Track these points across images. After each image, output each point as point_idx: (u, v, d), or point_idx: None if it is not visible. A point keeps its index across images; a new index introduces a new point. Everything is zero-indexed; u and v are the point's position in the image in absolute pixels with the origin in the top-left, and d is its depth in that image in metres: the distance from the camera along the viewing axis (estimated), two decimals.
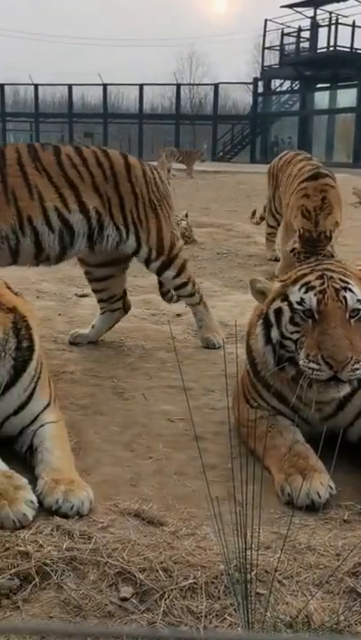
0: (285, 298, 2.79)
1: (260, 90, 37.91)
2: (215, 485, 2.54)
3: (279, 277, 3.08)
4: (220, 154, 37.34)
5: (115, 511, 2.42)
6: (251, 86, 38.76)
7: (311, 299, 2.70)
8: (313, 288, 2.73)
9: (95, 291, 4.69)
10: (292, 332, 2.74)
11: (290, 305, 2.76)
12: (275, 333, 2.78)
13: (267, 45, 37.00)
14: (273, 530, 2.32)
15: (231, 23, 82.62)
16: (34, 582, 1.98)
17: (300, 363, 2.66)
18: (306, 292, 2.73)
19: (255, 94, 37.98)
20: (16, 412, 2.73)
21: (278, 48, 36.40)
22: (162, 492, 2.64)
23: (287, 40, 35.63)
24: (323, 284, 2.72)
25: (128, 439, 3.13)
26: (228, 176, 22.77)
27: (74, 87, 38.01)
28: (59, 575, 2.00)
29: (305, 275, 2.82)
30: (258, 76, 38.68)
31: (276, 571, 1.99)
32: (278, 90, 38.47)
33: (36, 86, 37.82)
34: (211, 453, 2.94)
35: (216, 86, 38.28)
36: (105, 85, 37.00)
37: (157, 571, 2.01)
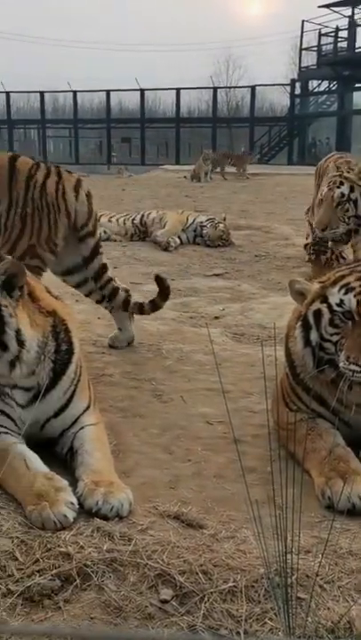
0: (325, 299, 2.76)
1: (298, 91, 37.62)
2: (255, 488, 2.52)
3: (318, 278, 3.05)
4: (258, 156, 37.18)
5: (154, 513, 2.43)
6: (288, 88, 38.52)
7: (351, 300, 2.67)
8: (353, 289, 2.69)
9: (87, 296, 4.67)
10: (331, 334, 2.71)
11: (329, 307, 2.73)
12: (314, 335, 2.76)
13: (304, 46, 36.70)
14: (313, 534, 2.29)
15: (268, 25, 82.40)
16: (75, 583, 2.00)
17: (341, 365, 2.63)
18: (345, 293, 2.70)
19: (292, 96, 37.70)
20: (56, 415, 2.75)
21: (316, 48, 36.07)
22: (201, 495, 2.64)
23: (325, 40, 35.28)
24: None
25: (167, 442, 3.14)
26: (265, 178, 22.66)
27: (112, 93, 38.30)
28: (99, 576, 2.02)
29: (344, 276, 2.79)
30: (295, 77, 38.41)
31: (317, 575, 1.97)
32: (316, 90, 38.13)
33: (75, 93, 38.23)
34: (250, 456, 2.92)
35: (253, 88, 38.12)
36: (142, 90, 37.21)
37: (197, 573, 2.01)
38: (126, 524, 2.30)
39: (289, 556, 1.82)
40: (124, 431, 3.22)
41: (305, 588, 1.95)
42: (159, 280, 4.45)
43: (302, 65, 37.27)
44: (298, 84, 37.77)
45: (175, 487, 2.71)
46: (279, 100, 43.84)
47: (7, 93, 38.39)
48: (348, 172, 5.05)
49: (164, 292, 4.45)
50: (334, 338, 2.70)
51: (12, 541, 2.17)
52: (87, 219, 4.32)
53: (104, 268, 4.48)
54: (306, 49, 36.96)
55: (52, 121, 42.05)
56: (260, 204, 14.26)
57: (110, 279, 4.50)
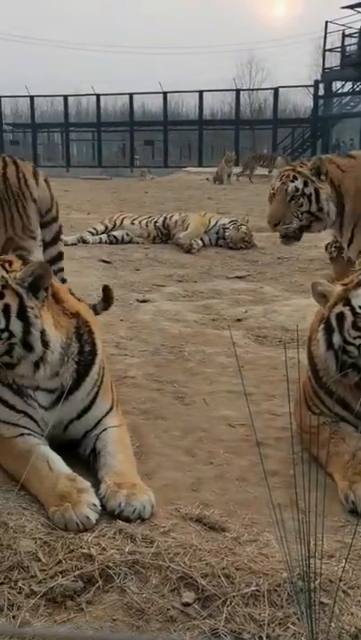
0: (348, 302, 2.74)
1: (321, 92, 37.43)
2: (277, 492, 2.51)
3: (341, 280, 3.02)
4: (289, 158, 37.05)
5: (176, 516, 2.42)
6: (311, 89, 38.35)
7: None
8: None
9: None
10: (354, 337, 2.68)
11: (352, 309, 2.71)
12: (337, 338, 2.73)
13: (327, 47, 36.54)
14: (337, 538, 2.27)
15: (291, 26, 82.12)
16: (97, 585, 2.01)
17: None
18: None
19: (316, 97, 37.51)
20: (79, 416, 2.77)
21: (339, 49, 35.87)
22: (223, 498, 2.63)
23: (348, 41, 35.06)
24: None
25: (189, 444, 3.14)
26: None
27: (135, 96, 38.46)
28: (121, 578, 2.02)
29: None
30: (318, 78, 38.23)
31: (340, 580, 1.95)
32: (340, 92, 37.89)
33: (98, 96, 38.46)
34: (272, 459, 2.91)
35: (276, 90, 38.01)
36: (165, 93, 37.30)
37: (219, 577, 2.00)
38: (148, 527, 2.31)
39: (312, 561, 1.80)
40: (146, 433, 3.22)
41: (328, 593, 1.93)
42: (106, 290, 4.46)
43: (326, 66, 37.09)
44: (321, 86, 37.58)
45: (197, 490, 2.70)
46: (302, 102, 43.71)
47: (31, 97, 38.72)
48: (301, 167, 4.95)
49: (107, 302, 4.46)
50: (358, 341, 2.67)
51: (35, 542, 2.18)
52: (50, 204, 4.39)
53: (60, 255, 4.55)
54: (329, 50, 36.78)
55: (75, 124, 42.32)
56: None
57: (62, 269, 4.55)
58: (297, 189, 4.78)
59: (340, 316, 2.74)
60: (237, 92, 38.35)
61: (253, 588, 1.96)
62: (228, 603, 1.92)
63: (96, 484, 2.49)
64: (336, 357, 2.74)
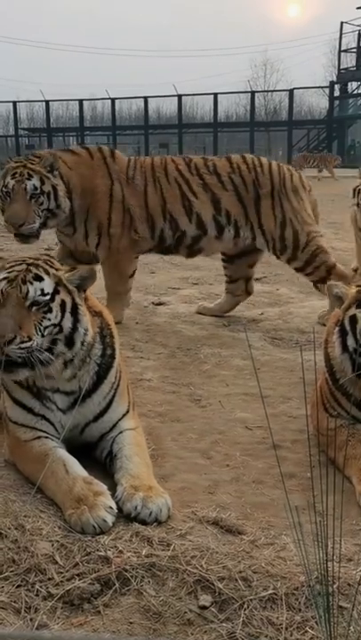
0: (359, 304, 2.72)
1: (337, 93, 37.31)
2: (294, 494, 2.50)
3: (356, 283, 3.00)
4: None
5: (193, 518, 2.42)
6: (326, 90, 38.22)
7: None
8: None
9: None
10: None
11: None
12: (351, 341, 2.72)
13: (343, 48, 36.42)
14: (355, 542, 2.26)
15: (306, 27, 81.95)
16: (114, 587, 2.00)
17: None
18: None
19: (331, 98, 37.42)
20: (96, 419, 2.77)
21: (355, 50, 35.74)
22: (240, 501, 2.62)
23: None
24: None
25: (205, 446, 3.13)
26: None
27: (150, 99, 38.58)
28: (138, 581, 2.02)
29: None
30: (334, 79, 38.10)
31: (359, 584, 1.93)
32: (355, 92, 37.73)
33: (113, 100, 38.63)
34: (289, 462, 2.89)
35: (291, 92, 37.96)
36: (180, 96, 37.38)
37: (236, 580, 2.00)
38: (165, 529, 2.30)
39: (330, 564, 1.79)
40: (162, 436, 3.22)
41: (347, 597, 1.91)
42: None
43: (341, 67, 36.97)
44: (337, 86, 37.45)
45: (214, 492, 2.69)
46: (318, 103, 43.61)
47: (47, 102, 38.97)
48: (33, 164, 4.86)
49: None
50: None
51: (52, 545, 2.18)
52: None
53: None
54: (345, 50, 36.67)
55: (90, 128, 42.53)
56: None
57: None
58: (36, 187, 4.75)
59: (353, 319, 2.73)
60: (252, 93, 38.34)
61: (271, 592, 1.95)
62: (246, 606, 1.91)
63: (112, 487, 2.49)
64: (351, 359, 2.72)
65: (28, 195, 4.75)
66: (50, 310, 2.58)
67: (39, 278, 2.62)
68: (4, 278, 2.61)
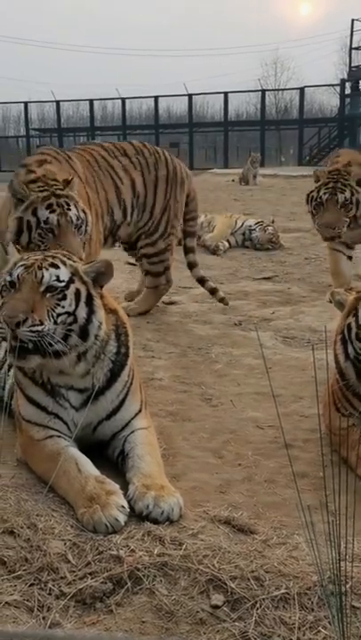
0: (356, 313, 2.68)
1: (348, 91, 37.12)
2: (306, 494, 2.49)
3: (357, 288, 2.96)
4: (307, 158, 36.81)
5: (205, 518, 2.42)
6: (338, 88, 38.06)
7: None
8: None
9: None
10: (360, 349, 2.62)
11: (357, 321, 2.65)
12: (351, 349, 2.69)
13: (354, 45, 36.22)
14: None
15: (316, 25, 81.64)
16: (126, 587, 2.01)
17: None
18: None
19: (342, 96, 37.22)
20: (108, 417, 2.77)
21: None
22: (252, 500, 2.62)
23: None
24: None
25: (217, 446, 3.13)
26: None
27: (160, 98, 38.57)
28: (150, 580, 2.02)
29: None
30: (345, 77, 37.93)
31: None
32: None
33: (124, 100, 38.65)
34: (301, 461, 2.89)
35: (302, 90, 37.79)
36: (190, 95, 37.34)
37: (249, 579, 1.99)
38: (177, 529, 2.30)
39: (343, 564, 1.78)
40: (173, 435, 3.22)
41: (360, 597, 1.91)
42: None
43: (352, 64, 36.77)
44: (348, 84, 37.26)
45: (226, 492, 2.69)
46: (329, 101, 43.44)
47: (57, 102, 39.08)
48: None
49: None
50: None
51: (65, 544, 2.19)
52: None
53: None
54: (356, 48, 36.44)
55: (100, 128, 42.59)
56: None
57: None
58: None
59: (349, 328, 2.70)
60: (263, 92, 38.22)
61: (283, 591, 1.94)
62: (258, 605, 1.90)
63: (124, 486, 2.49)
64: (355, 366, 2.69)
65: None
66: (64, 297, 2.59)
67: (55, 266, 2.64)
68: (22, 265, 2.63)
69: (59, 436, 2.67)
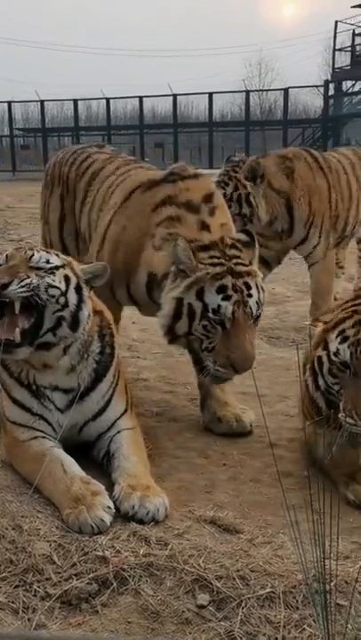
0: (325, 346, 2.63)
1: (331, 92, 37.32)
2: (291, 493, 2.50)
3: (323, 319, 2.84)
4: None
5: (190, 518, 2.42)
6: (321, 89, 38.26)
7: (345, 351, 2.52)
8: (347, 339, 2.54)
9: None
10: (333, 384, 2.59)
11: (328, 355, 2.60)
12: (321, 382, 2.65)
13: (337, 47, 36.44)
14: (353, 539, 2.26)
15: (300, 26, 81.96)
16: (112, 587, 2.00)
17: (339, 415, 2.50)
18: (341, 342, 2.55)
19: (326, 97, 37.42)
20: (94, 418, 2.77)
21: (349, 49, 35.78)
22: (237, 499, 2.62)
23: (359, 40, 34.98)
24: (357, 332, 2.53)
25: (202, 446, 3.13)
26: None
27: (144, 99, 38.52)
28: (136, 581, 2.02)
29: (344, 319, 2.62)
30: (329, 78, 38.13)
31: (356, 581, 1.93)
32: (350, 91, 37.76)
33: (108, 100, 38.56)
34: (286, 460, 2.90)
35: (286, 91, 37.91)
36: (175, 96, 37.34)
37: (234, 579, 2.00)
38: (162, 529, 2.30)
39: (327, 562, 1.79)
40: (159, 435, 3.22)
41: (344, 595, 1.92)
42: None
43: (336, 66, 37.00)
44: (331, 85, 37.48)
45: (211, 491, 2.69)
46: (312, 102, 43.67)
47: (41, 102, 38.91)
48: None
49: None
50: (336, 387, 2.57)
51: (50, 545, 2.18)
52: None
53: None
54: (339, 49, 36.70)
55: (85, 128, 42.48)
56: None
57: None
58: None
59: (320, 361, 2.65)
60: (247, 93, 38.32)
61: (269, 590, 1.95)
62: (244, 605, 1.91)
63: (110, 486, 2.49)
64: (325, 397, 2.66)
65: None
66: (53, 274, 2.60)
67: (47, 253, 2.71)
68: (14, 248, 2.71)
69: (44, 437, 2.66)
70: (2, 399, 2.83)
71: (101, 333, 2.78)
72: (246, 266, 2.97)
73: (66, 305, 2.59)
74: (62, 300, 2.58)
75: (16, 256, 2.62)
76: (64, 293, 2.59)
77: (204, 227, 3.05)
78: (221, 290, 2.86)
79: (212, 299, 2.86)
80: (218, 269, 2.90)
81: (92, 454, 2.79)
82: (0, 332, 2.50)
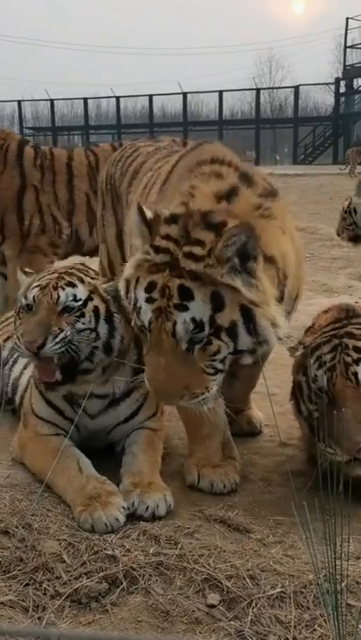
0: (305, 371, 2.62)
1: (343, 89, 37.19)
2: (302, 493, 2.49)
3: (304, 341, 2.82)
4: (302, 157, 36.83)
5: (200, 517, 2.41)
6: (332, 87, 38.12)
7: (323, 377, 2.49)
8: (324, 364, 2.51)
9: None
10: (314, 410, 2.56)
11: (307, 381, 2.59)
12: (303, 408, 2.63)
13: (349, 44, 36.30)
14: None
15: (311, 24, 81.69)
16: (122, 586, 2.00)
17: (319, 444, 2.46)
18: (318, 367, 2.53)
19: (337, 94, 37.30)
20: (126, 421, 2.79)
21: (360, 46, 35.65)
22: (247, 499, 2.61)
23: None
24: (333, 358, 2.51)
25: None
26: (308, 179, 22.44)
27: (154, 97, 38.54)
28: (146, 580, 2.01)
29: (321, 344, 2.59)
30: (340, 75, 37.99)
31: None
32: None
33: (118, 99, 38.61)
34: (297, 460, 2.88)
35: (296, 88, 37.83)
36: (185, 94, 37.34)
37: (244, 578, 1.99)
38: (172, 528, 2.30)
39: (338, 562, 1.78)
40: (169, 435, 3.20)
41: (355, 595, 1.91)
42: None
43: (347, 63, 36.85)
44: (343, 83, 37.34)
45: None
46: (323, 100, 43.54)
47: (51, 101, 39.03)
48: None
49: None
50: (316, 414, 2.52)
51: (60, 544, 2.18)
52: None
53: None
54: (350, 47, 36.54)
55: (95, 127, 42.57)
56: (305, 204, 14.12)
57: None
58: None
59: (300, 387, 2.64)
60: (257, 91, 38.27)
61: (279, 590, 1.94)
62: (254, 604, 1.90)
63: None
64: (307, 421, 2.64)
65: None
66: (82, 315, 2.57)
67: (72, 285, 2.62)
68: (37, 286, 2.61)
69: (65, 437, 2.65)
70: (30, 394, 2.82)
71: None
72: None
73: (98, 337, 2.60)
74: (94, 335, 2.59)
75: (43, 302, 2.55)
76: (95, 329, 2.59)
77: None
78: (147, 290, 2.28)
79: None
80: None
81: (116, 450, 2.81)
82: (41, 376, 2.54)
